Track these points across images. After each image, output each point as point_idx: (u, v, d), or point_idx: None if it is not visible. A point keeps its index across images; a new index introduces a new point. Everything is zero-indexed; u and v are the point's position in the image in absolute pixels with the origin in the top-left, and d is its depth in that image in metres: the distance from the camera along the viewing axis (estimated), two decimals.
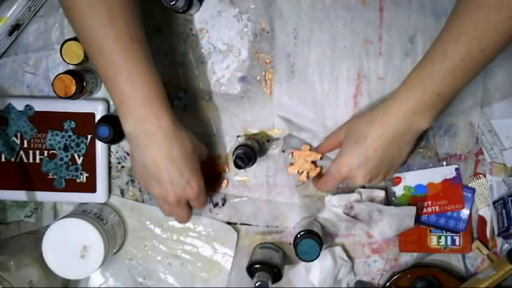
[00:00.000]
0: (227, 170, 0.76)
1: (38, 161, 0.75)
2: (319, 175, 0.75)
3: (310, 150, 0.74)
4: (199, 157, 0.67)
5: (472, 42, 0.58)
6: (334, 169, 0.68)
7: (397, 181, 0.76)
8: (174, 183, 0.63)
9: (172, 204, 0.66)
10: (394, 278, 0.77)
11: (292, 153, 0.75)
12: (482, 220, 0.77)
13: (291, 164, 0.75)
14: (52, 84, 0.69)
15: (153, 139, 0.61)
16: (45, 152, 0.75)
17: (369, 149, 0.65)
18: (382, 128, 0.64)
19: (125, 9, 0.59)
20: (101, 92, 0.75)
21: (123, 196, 0.78)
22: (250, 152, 0.70)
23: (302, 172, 0.74)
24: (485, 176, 0.76)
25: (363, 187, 0.75)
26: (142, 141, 0.61)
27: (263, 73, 0.74)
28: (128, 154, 0.77)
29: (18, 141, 0.75)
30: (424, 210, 0.76)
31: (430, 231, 0.77)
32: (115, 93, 0.60)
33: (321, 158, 0.74)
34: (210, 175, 0.74)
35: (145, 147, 0.62)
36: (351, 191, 0.75)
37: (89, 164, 0.75)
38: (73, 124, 0.74)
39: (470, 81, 0.61)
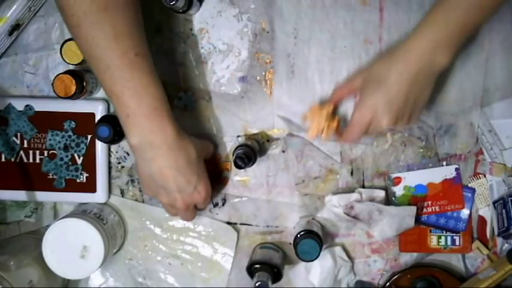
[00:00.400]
0: (229, 169, 0.76)
1: (38, 161, 0.75)
2: (339, 129, 0.72)
3: (320, 105, 0.71)
4: (205, 157, 0.69)
5: None
6: (358, 115, 0.66)
7: (397, 181, 0.76)
8: (182, 191, 0.65)
9: (181, 210, 0.67)
10: (394, 278, 0.77)
11: (306, 116, 0.72)
12: (482, 220, 0.77)
13: (308, 130, 0.71)
14: (52, 84, 0.69)
15: (158, 151, 0.62)
16: (45, 152, 0.75)
17: (392, 88, 0.64)
18: (404, 65, 0.63)
19: (129, 26, 0.59)
20: (101, 92, 0.75)
21: (123, 196, 0.78)
22: (250, 152, 0.70)
23: (322, 131, 0.71)
24: (485, 176, 0.76)
25: (363, 186, 0.76)
26: (147, 153, 0.62)
27: (263, 73, 0.74)
28: (128, 154, 0.77)
29: (18, 141, 0.75)
30: (424, 210, 0.76)
31: (430, 231, 0.77)
32: (121, 108, 0.61)
33: (334, 110, 0.72)
34: (214, 175, 0.75)
35: (151, 160, 0.62)
36: (351, 191, 0.75)
37: (89, 164, 0.75)
38: (73, 124, 0.74)
39: (492, 13, 0.62)
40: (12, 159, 0.76)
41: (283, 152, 0.75)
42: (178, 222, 0.78)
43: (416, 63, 0.63)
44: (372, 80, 0.66)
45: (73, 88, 0.69)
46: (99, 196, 0.76)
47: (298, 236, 0.71)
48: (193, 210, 0.69)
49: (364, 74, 0.68)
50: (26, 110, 0.74)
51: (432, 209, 0.76)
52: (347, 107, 0.73)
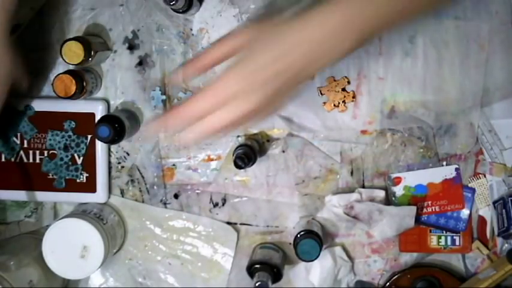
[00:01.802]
0: None
1: (38, 161, 0.75)
2: (355, 98, 0.73)
3: (334, 80, 0.72)
4: (17, 84, 0.68)
5: None
6: (222, 83, 0.53)
7: (397, 181, 0.76)
8: None
9: None
10: (394, 278, 0.77)
11: (320, 91, 0.73)
12: (482, 220, 0.77)
13: (324, 103, 0.74)
14: (52, 84, 0.69)
15: None
16: (45, 152, 0.75)
17: (281, 59, 0.53)
18: (303, 38, 0.53)
19: None
20: (101, 92, 0.75)
21: (123, 196, 0.78)
22: (250, 152, 0.70)
23: (338, 104, 0.73)
24: (485, 176, 0.76)
25: (363, 186, 0.76)
26: None
27: None
28: (128, 154, 0.77)
29: (18, 141, 0.75)
30: (424, 210, 0.76)
31: (430, 231, 0.77)
32: None
33: (348, 82, 0.73)
34: None
35: None
36: (351, 191, 0.75)
37: (89, 164, 0.75)
38: (73, 124, 0.74)
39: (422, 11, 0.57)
40: (12, 159, 0.76)
41: (283, 152, 0.75)
42: (178, 222, 0.78)
43: (315, 41, 0.53)
44: (257, 44, 0.54)
45: (73, 88, 0.69)
46: (99, 196, 0.76)
47: (298, 236, 0.71)
48: None
49: (252, 32, 0.56)
50: (26, 110, 0.74)
51: (432, 209, 0.76)
52: (363, 82, 0.73)
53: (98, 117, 0.73)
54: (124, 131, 0.70)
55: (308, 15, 0.53)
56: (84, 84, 0.70)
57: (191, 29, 0.74)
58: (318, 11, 0.53)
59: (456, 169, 0.75)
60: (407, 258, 0.78)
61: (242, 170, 0.75)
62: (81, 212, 0.73)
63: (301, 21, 0.53)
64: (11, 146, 0.75)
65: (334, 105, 0.74)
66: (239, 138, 0.76)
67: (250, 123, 0.56)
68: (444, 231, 0.77)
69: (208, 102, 0.53)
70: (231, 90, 0.53)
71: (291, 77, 0.53)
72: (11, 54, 0.64)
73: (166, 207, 0.78)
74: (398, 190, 0.76)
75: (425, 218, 0.76)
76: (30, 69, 0.75)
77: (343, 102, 0.74)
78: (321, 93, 0.74)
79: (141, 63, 0.75)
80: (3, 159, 0.76)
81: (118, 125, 0.69)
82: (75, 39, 0.68)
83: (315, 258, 0.70)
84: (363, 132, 0.75)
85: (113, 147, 0.77)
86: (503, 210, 0.74)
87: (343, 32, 0.53)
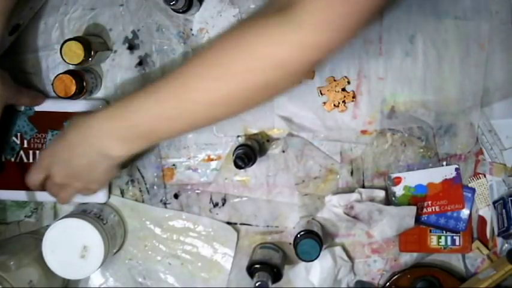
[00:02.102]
0: None
1: None
2: (355, 98, 0.74)
3: (334, 80, 0.73)
4: (25, 104, 0.72)
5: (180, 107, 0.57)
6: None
7: (397, 181, 0.76)
8: None
9: None
10: (394, 278, 0.77)
11: (320, 91, 0.73)
12: (482, 220, 0.77)
13: (324, 103, 0.74)
14: (52, 84, 0.69)
15: None
16: None
17: (72, 168, 0.65)
18: (84, 150, 0.63)
19: None
20: (101, 92, 0.75)
21: (123, 196, 0.78)
22: (250, 152, 0.70)
23: (338, 104, 0.73)
24: (485, 176, 0.76)
25: (363, 186, 0.76)
26: None
27: None
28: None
29: (18, 141, 0.75)
30: (424, 210, 0.76)
31: (430, 231, 0.77)
32: None
33: (348, 82, 0.73)
34: None
35: None
36: (351, 190, 0.75)
37: None
38: None
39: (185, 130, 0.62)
40: (12, 159, 0.76)
41: (283, 152, 0.75)
42: (179, 222, 0.78)
43: (92, 151, 0.62)
44: (57, 160, 0.65)
45: (73, 88, 0.69)
46: (99, 196, 0.76)
47: (298, 236, 0.71)
48: None
49: (49, 156, 0.66)
50: (26, 110, 0.74)
51: (432, 209, 0.76)
52: (363, 82, 0.73)
53: None
54: None
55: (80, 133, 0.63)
56: (84, 84, 0.70)
57: (191, 29, 0.74)
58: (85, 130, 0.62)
59: (456, 169, 0.75)
60: (407, 258, 0.78)
61: (242, 170, 0.75)
62: (81, 212, 0.73)
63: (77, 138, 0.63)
64: (11, 146, 0.75)
65: (334, 105, 0.74)
66: (239, 138, 0.76)
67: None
68: (444, 231, 0.77)
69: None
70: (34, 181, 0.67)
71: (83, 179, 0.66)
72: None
73: (166, 207, 0.78)
74: (398, 190, 0.76)
75: (425, 218, 0.76)
76: (30, 68, 0.75)
77: (343, 102, 0.74)
78: (321, 93, 0.74)
79: (141, 63, 0.75)
80: (3, 159, 0.76)
81: None
82: (75, 39, 0.68)
83: (315, 258, 0.70)
84: (363, 132, 0.75)
85: None
86: (503, 210, 0.74)
87: (107, 142, 0.61)
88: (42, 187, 0.68)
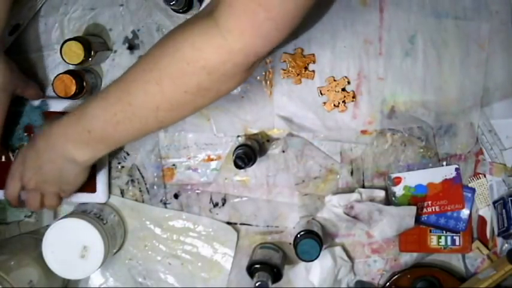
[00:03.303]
0: (311, 62, 0.74)
1: None
2: (355, 98, 0.74)
3: (334, 80, 0.73)
4: (26, 95, 0.72)
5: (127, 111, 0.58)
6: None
7: (397, 181, 0.76)
8: None
9: None
10: (394, 278, 0.77)
11: (320, 91, 0.74)
12: (482, 220, 0.77)
13: (324, 103, 0.74)
14: (52, 84, 0.69)
15: None
16: None
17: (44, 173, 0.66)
18: (50, 156, 0.64)
19: None
20: None
21: (123, 196, 0.78)
22: (250, 152, 0.70)
23: (338, 104, 0.73)
24: (485, 176, 0.76)
25: (363, 186, 0.76)
26: None
27: (263, 73, 0.74)
28: (128, 154, 0.77)
29: (25, 135, 0.74)
30: (424, 210, 0.76)
31: (430, 231, 0.77)
32: None
33: (348, 82, 0.73)
34: None
35: None
36: (351, 190, 0.75)
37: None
38: None
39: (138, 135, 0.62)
40: (12, 159, 0.75)
41: (283, 152, 0.75)
42: (179, 222, 0.78)
43: (58, 156, 0.64)
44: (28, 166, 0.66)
45: (73, 88, 0.69)
46: (99, 196, 0.76)
47: (298, 236, 0.71)
48: None
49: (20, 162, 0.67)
50: (42, 105, 0.74)
51: (432, 209, 0.76)
52: (363, 82, 0.73)
53: None
54: None
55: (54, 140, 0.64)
56: (84, 84, 0.70)
57: None
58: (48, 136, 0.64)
59: (456, 169, 0.75)
60: (407, 258, 0.78)
61: (242, 170, 0.75)
62: (81, 212, 0.73)
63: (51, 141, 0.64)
64: (18, 136, 0.75)
65: (334, 105, 0.74)
66: (239, 138, 0.76)
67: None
68: (444, 231, 0.77)
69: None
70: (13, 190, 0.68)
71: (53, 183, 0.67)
72: (6, 63, 0.66)
73: (166, 207, 0.78)
74: (398, 190, 0.76)
75: (425, 218, 0.76)
76: (30, 73, 0.75)
77: (343, 102, 0.74)
78: (321, 93, 0.74)
79: None
80: (3, 159, 0.75)
81: None
82: (75, 39, 0.68)
83: (315, 258, 0.70)
84: (363, 132, 0.75)
85: None
86: (503, 210, 0.74)
87: (77, 148, 0.62)
88: (22, 204, 0.69)
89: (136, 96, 0.57)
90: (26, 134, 0.75)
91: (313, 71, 0.74)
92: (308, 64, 0.73)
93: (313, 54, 0.73)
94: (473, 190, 0.76)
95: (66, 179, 0.66)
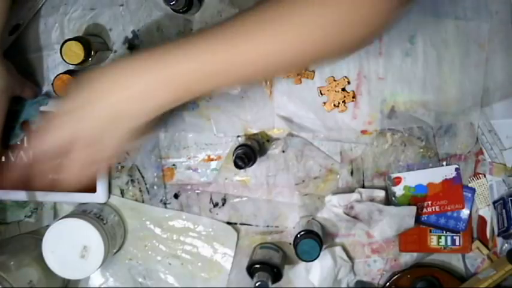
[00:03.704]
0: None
1: None
2: (355, 98, 0.74)
3: (334, 80, 0.73)
4: (25, 96, 0.69)
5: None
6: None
7: (397, 181, 0.76)
8: None
9: None
10: (394, 278, 0.77)
11: (320, 91, 0.74)
12: (482, 220, 0.77)
13: (324, 103, 0.74)
14: (52, 84, 0.69)
15: None
16: None
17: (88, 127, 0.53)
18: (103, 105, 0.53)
19: None
20: None
21: (123, 196, 0.78)
22: (250, 152, 0.70)
23: (338, 104, 0.73)
24: (485, 176, 0.76)
25: (363, 186, 0.76)
26: None
27: None
28: (128, 154, 0.77)
29: (21, 132, 0.74)
30: (424, 210, 0.76)
31: (430, 231, 0.77)
32: None
33: (348, 82, 0.73)
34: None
35: None
36: (351, 190, 0.75)
37: None
38: None
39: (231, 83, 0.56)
40: (12, 159, 0.75)
41: (283, 152, 0.75)
42: (179, 222, 0.78)
43: (123, 100, 0.52)
44: (71, 113, 0.54)
45: None
46: (99, 196, 0.76)
47: (298, 236, 0.71)
48: None
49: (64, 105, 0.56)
50: (40, 100, 0.73)
51: (432, 209, 0.76)
52: (363, 82, 0.73)
53: None
54: None
55: (112, 79, 0.52)
56: None
57: (191, 29, 0.74)
58: (122, 74, 0.52)
59: (456, 169, 0.75)
60: (407, 258, 0.78)
61: (242, 170, 0.75)
62: (81, 212, 0.73)
63: (105, 85, 0.52)
64: (15, 132, 0.74)
65: (334, 105, 0.74)
66: (239, 138, 0.76)
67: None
68: (444, 231, 0.77)
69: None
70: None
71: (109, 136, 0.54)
72: (5, 65, 0.66)
73: (166, 207, 0.78)
74: (398, 190, 0.76)
75: (425, 218, 0.76)
76: (30, 72, 0.75)
77: (343, 102, 0.74)
78: (321, 93, 0.74)
79: None
80: (3, 159, 0.76)
81: None
82: (75, 39, 0.68)
83: (315, 258, 0.70)
84: (363, 132, 0.75)
85: None
86: (503, 210, 0.74)
87: (152, 92, 0.51)
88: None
89: (278, 34, 0.50)
90: (21, 131, 0.74)
91: (313, 70, 0.74)
92: None
93: None
94: (473, 190, 0.76)
95: (113, 138, 0.54)
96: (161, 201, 0.78)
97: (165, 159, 0.77)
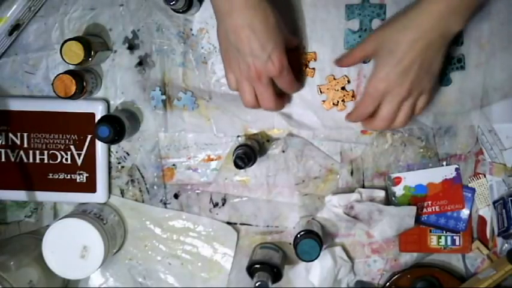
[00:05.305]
0: (312, 60, 0.72)
1: (38, 161, 0.75)
2: (354, 97, 0.74)
3: (334, 79, 0.73)
4: (287, 44, 0.65)
5: None
6: (371, 87, 0.65)
7: (397, 181, 0.76)
8: (256, 56, 0.61)
9: (254, 80, 0.64)
10: (394, 278, 0.77)
11: (320, 89, 0.74)
12: (482, 220, 0.77)
13: (324, 101, 0.74)
14: (52, 84, 0.69)
15: (233, 4, 0.59)
16: (45, 152, 0.75)
17: (404, 58, 0.62)
18: (418, 32, 0.61)
19: None
20: (101, 92, 0.75)
21: (123, 196, 0.78)
22: (250, 152, 0.70)
23: (337, 103, 0.73)
24: (485, 176, 0.76)
25: (363, 186, 0.76)
26: (223, 6, 0.60)
27: None
28: (128, 154, 0.77)
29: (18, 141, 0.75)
30: (424, 210, 0.76)
31: (430, 231, 0.77)
32: None
33: (348, 81, 0.73)
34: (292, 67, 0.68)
35: (226, 14, 0.61)
36: (351, 190, 0.75)
37: (89, 164, 0.75)
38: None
39: None
40: (12, 159, 0.76)
41: (283, 152, 0.75)
42: (179, 222, 0.78)
43: (428, 31, 0.61)
44: (384, 49, 0.64)
45: (73, 88, 0.69)
46: (99, 196, 0.76)
47: (298, 236, 0.71)
48: (270, 88, 0.65)
49: (376, 40, 0.66)
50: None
51: (432, 209, 0.76)
52: (363, 82, 0.74)
53: (98, 117, 0.73)
54: (124, 131, 0.70)
55: (411, 16, 0.62)
56: (84, 84, 0.70)
57: (191, 29, 0.74)
58: (419, 10, 0.62)
59: (456, 169, 0.75)
60: (407, 258, 0.78)
61: (242, 170, 0.75)
62: (81, 212, 0.73)
63: (408, 22, 0.62)
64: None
65: (333, 103, 0.74)
66: (239, 138, 0.76)
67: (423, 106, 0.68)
68: (444, 231, 0.77)
69: (371, 105, 0.66)
70: (382, 88, 0.64)
71: (422, 63, 0.63)
72: (272, 8, 0.63)
73: (166, 207, 0.78)
74: (398, 190, 0.76)
75: (425, 218, 0.76)
76: (31, 68, 0.75)
77: (342, 101, 0.74)
78: (321, 92, 0.74)
79: (141, 63, 0.75)
80: (3, 159, 0.76)
81: (118, 125, 0.69)
82: (75, 39, 0.68)
83: (315, 258, 0.70)
84: (363, 132, 0.75)
85: (113, 147, 0.77)
86: (503, 210, 0.74)
87: (449, 17, 0.61)
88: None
89: None
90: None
91: (314, 68, 0.74)
92: (309, 62, 0.73)
93: (314, 52, 0.73)
94: (473, 190, 0.76)
95: (437, 62, 0.64)
96: (161, 201, 0.78)
97: (165, 159, 0.77)
